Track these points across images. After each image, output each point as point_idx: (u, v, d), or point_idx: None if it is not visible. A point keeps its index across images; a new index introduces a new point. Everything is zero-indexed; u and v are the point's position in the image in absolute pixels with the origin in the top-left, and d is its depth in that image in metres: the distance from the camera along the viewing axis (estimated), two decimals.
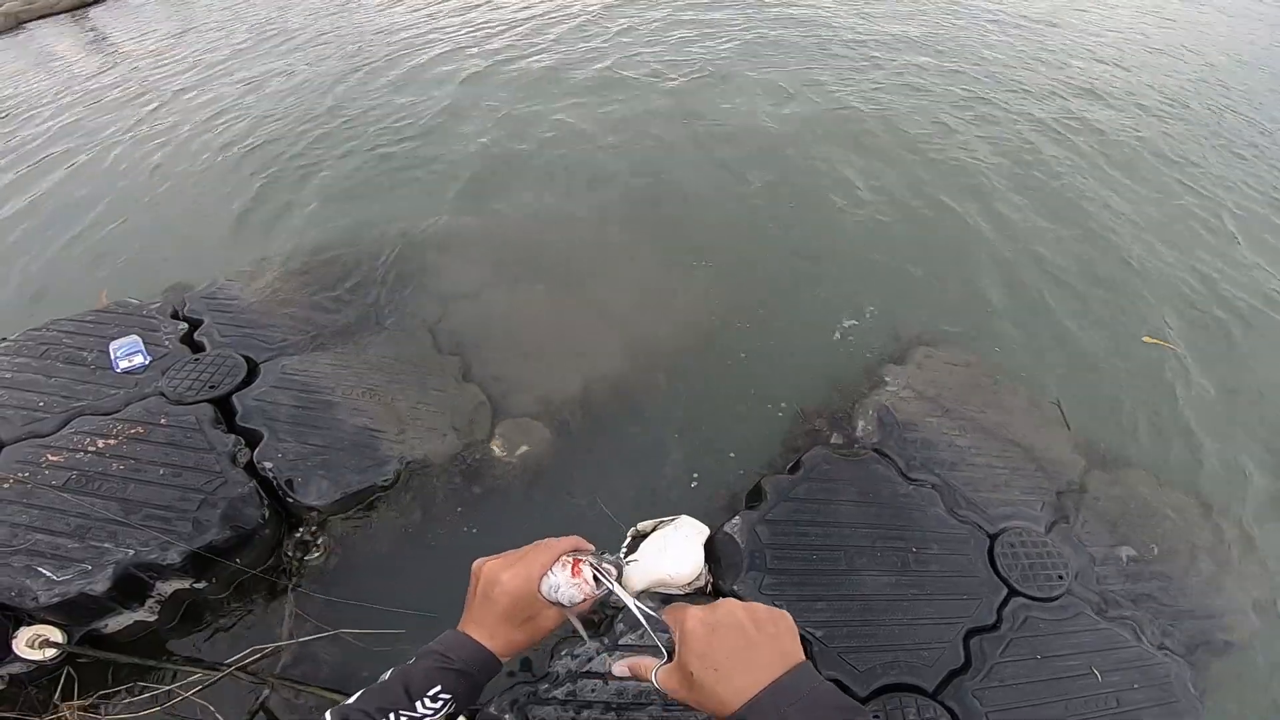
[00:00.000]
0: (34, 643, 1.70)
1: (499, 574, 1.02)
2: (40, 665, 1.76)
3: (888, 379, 2.77)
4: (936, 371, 2.82)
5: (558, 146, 4.67)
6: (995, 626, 2.01)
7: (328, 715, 0.94)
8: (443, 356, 2.88)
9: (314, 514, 2.24)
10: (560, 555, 1.05)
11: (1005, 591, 2.09)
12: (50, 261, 3.79)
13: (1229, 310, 3.42)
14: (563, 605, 1.02)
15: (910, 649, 1.92)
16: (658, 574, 2.06)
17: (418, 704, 0.96)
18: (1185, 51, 6.50)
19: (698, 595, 2.09)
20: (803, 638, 1.90)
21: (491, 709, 1.70)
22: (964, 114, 5.13)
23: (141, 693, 1.78)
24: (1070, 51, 6.35)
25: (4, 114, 5.70)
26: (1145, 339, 3.30)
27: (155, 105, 5.59)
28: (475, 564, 1.08)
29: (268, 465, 2.23)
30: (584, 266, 3.52)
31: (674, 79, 5.60)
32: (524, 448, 2.58)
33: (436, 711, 0.98)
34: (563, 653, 1.86)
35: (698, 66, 5.84)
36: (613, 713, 1.73)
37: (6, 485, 1.98)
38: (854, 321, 3.21)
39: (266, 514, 2.13)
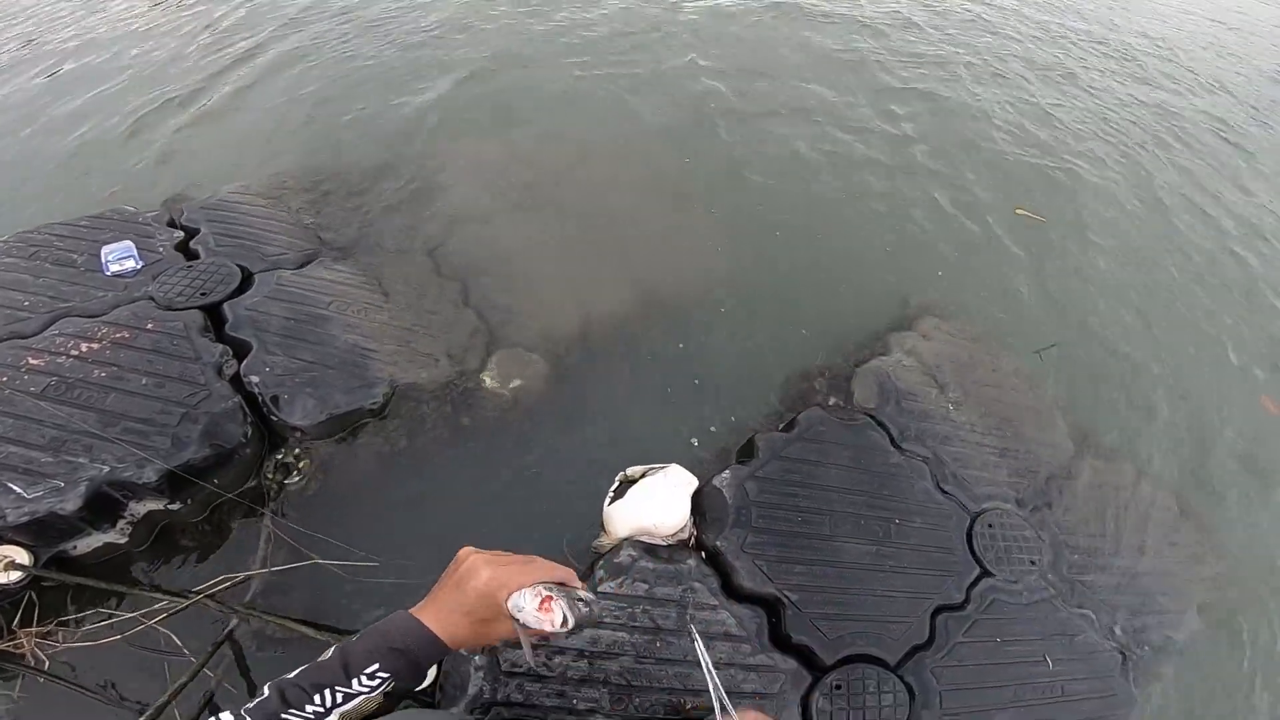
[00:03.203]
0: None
1: (480, 568, 1.06)
2: (4, 589, 1.73)
3: (892, 345, 2.72)
4: (942, 343, 2.76)
5: (581, 71, 4.41)
6: (963, 606, 2.04)
7: (265, 689, 0.98)
8: (442, 279, 2.80)
9: (298, 435, 2.21)
10: (543, 581, 1.06)
11: (977, 571, 2.12)
12: (47, 166, 3.59)
13: None
14: (518, 625, 1.04)
15: (879, 621, 1.95)
16: (642, 522, 2.06)
17: (354, 681, 1.00)
18: None
19: (679, 548, 2.09)
20: (776, 600, 1.92)
21: (463, 650, 1.72)
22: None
23: (103, 620, 1.76)
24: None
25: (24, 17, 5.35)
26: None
27: (167, 11, 5.21)
28: (463, 551, 1.12)
29: (254, 379, 2.17)
30: (594, 201, 3.38)
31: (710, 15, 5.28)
32: (517, 381, 2.54)
33: (374, 689, 1.02)
34: None
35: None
36: (585, 660, 1.76)
37: None
38: (865, 284, 3.13)
39: (249, 432, 2.09)
